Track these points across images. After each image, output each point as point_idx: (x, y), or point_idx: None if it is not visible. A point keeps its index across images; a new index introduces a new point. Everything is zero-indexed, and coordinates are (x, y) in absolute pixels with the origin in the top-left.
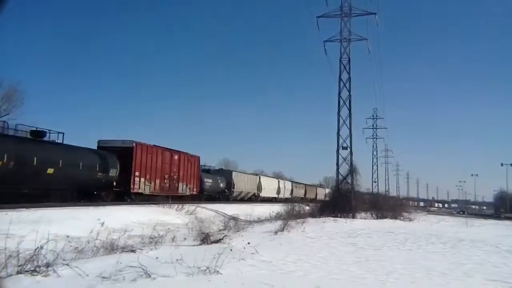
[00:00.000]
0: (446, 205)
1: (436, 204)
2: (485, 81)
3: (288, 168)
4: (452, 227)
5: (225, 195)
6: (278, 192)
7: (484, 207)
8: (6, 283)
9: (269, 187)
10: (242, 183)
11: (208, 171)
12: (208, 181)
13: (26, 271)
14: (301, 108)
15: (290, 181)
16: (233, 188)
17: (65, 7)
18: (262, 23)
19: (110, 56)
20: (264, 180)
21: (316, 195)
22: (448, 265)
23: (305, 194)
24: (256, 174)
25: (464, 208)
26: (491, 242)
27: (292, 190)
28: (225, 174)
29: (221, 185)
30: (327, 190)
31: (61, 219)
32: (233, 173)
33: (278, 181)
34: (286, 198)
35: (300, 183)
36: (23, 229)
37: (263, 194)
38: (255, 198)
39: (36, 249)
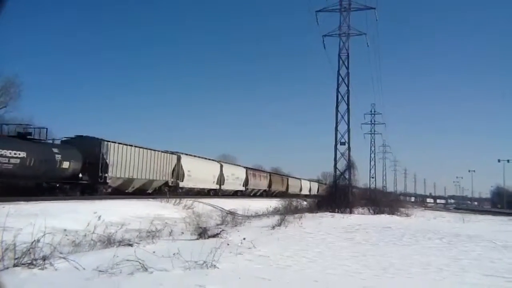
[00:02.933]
0: (443, 201)
1: (428, 200)
2: (484, 76)
3: (287, 164)
4: (449, 222)
5: (79, 184)
6: (221, 181)
7: (475, 203)
8: (2, 276)
9: (200, 174)
10: (130, 165)
11: (22, 136)
12: (7, 155)
13: (23, 264)
14: (300, 103)
15: (244, 167)
16: (107, 173)
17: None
18: (261, 18)
19: (109, 50)
20: (190, 163)
21: (288, 187)
22: (444, 260)
23: (269, 186)
24: (173, 153)
25: (462, 205)
26: (487, 237)
27: (246, 179)
28: (86, 145)
29: (66, 165)
30: (312, 183)
31: (59, 212)
32: (106, 144)
33: (221, 166)
34: (237, 191)
35: (261, 170)
36: (20, 222)
37: (189, 184)
38: (170, 191)
39: (33, 242)
